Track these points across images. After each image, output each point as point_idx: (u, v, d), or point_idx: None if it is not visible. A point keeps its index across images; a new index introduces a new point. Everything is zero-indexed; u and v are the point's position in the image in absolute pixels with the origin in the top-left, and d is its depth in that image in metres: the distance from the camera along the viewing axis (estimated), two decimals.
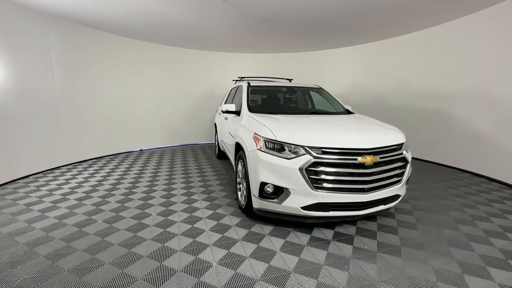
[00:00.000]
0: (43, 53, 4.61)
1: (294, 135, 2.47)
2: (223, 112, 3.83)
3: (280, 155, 2.41)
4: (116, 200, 3.41)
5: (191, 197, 3.53)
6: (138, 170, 4.86)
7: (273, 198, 2.46)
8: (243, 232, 2.61)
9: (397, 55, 5.97)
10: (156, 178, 4.32)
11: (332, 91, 6.88)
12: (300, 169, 2.30)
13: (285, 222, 2.78)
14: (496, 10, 4.17)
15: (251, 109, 3.46)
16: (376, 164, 2.42)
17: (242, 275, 1.97)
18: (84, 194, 3.60)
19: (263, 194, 2.51)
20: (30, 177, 4.36)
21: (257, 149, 2.54)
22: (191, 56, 7.33)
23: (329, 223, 2.77)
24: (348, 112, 3.71)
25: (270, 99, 4.06)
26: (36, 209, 3.11)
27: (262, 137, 2.56)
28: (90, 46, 5.46)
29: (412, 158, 5.45)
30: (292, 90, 4.15)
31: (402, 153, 2.61)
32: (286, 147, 2.41)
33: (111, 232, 2.59)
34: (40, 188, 3.83)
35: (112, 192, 3.68)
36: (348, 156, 2.34)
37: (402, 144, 2.65)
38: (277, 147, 2.45)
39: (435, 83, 5.24)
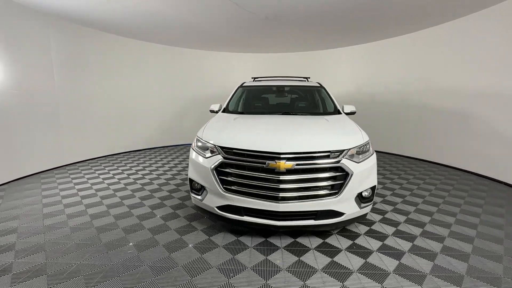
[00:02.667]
0: (43, 53, 4.61)
1: (216, 134, 2.47)
2: (210, 111, 4.04)
3: (201, 153, 2.46)
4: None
5: None
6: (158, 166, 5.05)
7: (198, 195, 2.53)
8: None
9: (405, 53, 5.93)
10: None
11: (335, 90, 6.77)
12: (212, 169, 2.30)
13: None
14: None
15: (227, 108, 3.53)
16: (293, 171, 2.14)
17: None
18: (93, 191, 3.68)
19: (192, 190, 2.62)
20: (30, 176, 4.38)
21: (191, 147, 2.67)
22: (192, 56, 7.33)
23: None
24: (338, 112, 3.28)
25: (258, 99, 3.98)
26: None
27: (196, 135, 2.66)
28: (90, 46, 5.48)
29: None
30: (281, 89, 3.95)
31: (337, 162, 2.18)
32: (208, 146, 2.44)
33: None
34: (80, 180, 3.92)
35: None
36: (257, 159, 2.17)
37: (341, 151, 2.22)
38: (202, 145, 2.51)
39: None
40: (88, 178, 4.35)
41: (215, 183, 2.28)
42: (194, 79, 7.61)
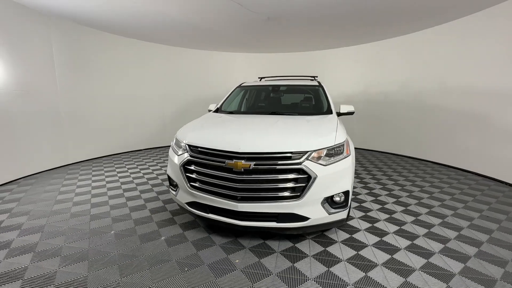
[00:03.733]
0: (45, 53, 4.62)
1: (189, 133, 2.55)
2: (208, 111, 4.14)
3: (175, 151, 2.56)
4: None
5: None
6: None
7: (174, 191, 2.65)
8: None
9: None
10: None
11: (338, 90, 7.20)
12: (180, 166, 2.39)
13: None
14: None
15: (220, 108, 3.60)
16: (253, 172, 2.11)
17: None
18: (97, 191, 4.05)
19: (170, 186, 2.74)
20: (32, 176, 4.39)
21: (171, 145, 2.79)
22: (194, 56, 7.32)
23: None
24: (330, 112, 3.14)
25: (252, 99, 3.97)
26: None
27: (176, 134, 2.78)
28: (92, 46, 5.48)
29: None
30: (277, 89, 3.88)
31: (298, 164, 2.09)
32: (181, 145, 2.53)
33: None
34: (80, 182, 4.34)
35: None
36: (218, 158, 2.20)
37: (303, 152, 2.12)
38: (176, 143, 2.61)
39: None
40: (106, 176, 4.64)
41: (183, 180, 2.37)
42: (196, 79, 7.57)
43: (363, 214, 3.06)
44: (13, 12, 4.11)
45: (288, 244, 2.41)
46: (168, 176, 2.68)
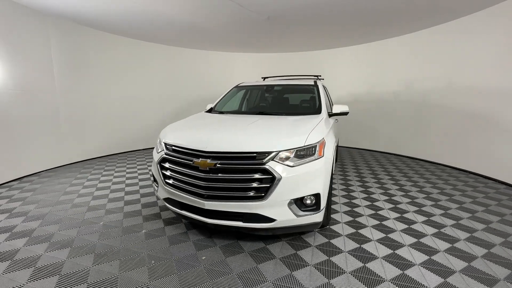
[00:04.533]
0: (43, 53, 4.59)
1: (169, 132, 2.65)
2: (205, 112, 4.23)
3: (157, 148, 2.67)
4: None
5: None
6: None
7: (156, 186, 2.76)
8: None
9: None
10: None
11: (341, 90, 7.24)
12: (157, 163, 2.50)
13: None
14: None
15: (214, 108, 3.68)
16: (218, 170, 2.14)
17: None
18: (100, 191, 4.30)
19: (153, 182, 2.86)
20: (32, 176, 4.39)
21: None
22: (194, 56, 7.29)
23: None
24: (318, 112, 3.07)
25: (246, 99, 3.98)
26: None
27: None
28: (91, 46, 5.44)
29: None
30: (270, 89, 3.84)
31: (262, 164, 2.07)
32: (161, 142, 2.64)
33: None
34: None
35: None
36: (187, 157, 2.26)
37: (267, 153, 2.09)
38: (158, 141, 2.72)
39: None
40: (104, 175, 4.84)
41: (160, 176, 2.47)
42: (196, 79, 7.55)
43: (351, 219, 2.93)
44: (12, 12, 4.08)
45: (259, 245, 2.40)
46: (152, 174, 2.80)
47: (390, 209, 3.20)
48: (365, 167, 5.18)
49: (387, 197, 3.58)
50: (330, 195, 2.48)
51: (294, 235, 2.55)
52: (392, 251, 2.30)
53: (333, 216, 3.00)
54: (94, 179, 4.32)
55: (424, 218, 2.96)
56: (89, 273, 2.00)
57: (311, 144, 2.20)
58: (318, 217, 2.26)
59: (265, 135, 2.28)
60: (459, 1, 4.04)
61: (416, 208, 3.22)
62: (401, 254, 2.26)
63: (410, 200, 3.50)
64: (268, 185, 2.06)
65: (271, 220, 2.13)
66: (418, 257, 2.22)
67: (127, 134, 6.46)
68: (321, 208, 2.24)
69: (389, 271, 2.03)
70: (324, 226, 2.66)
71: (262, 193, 2.07)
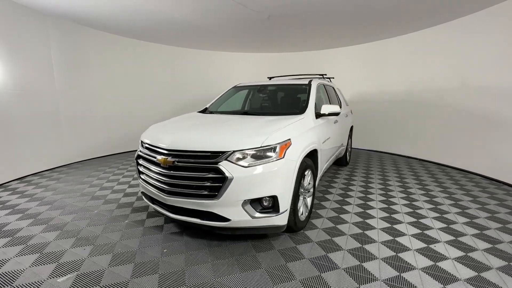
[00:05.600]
0: (43, 53, 4.60)
1: (149, 130, 2.81)
2: None
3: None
4: None
5: None
6: None
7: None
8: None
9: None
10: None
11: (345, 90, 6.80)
12: (134, 159, 2.69)
13: None
14: None
15: (208, 108, 3.79)
16: (177, 168, 2.22)
17: None
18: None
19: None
20: (32, 176, 4.43)
21: None
22: (193, 56, 7.26)
23: None
24: (301, 113, 3.00)
25: (239, 99, 4.00)
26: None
27: None
28: (91, 46, 5.44)
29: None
30: (263, 89, 3.80)
31: (215, 163, 2.08)
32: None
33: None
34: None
35: None
36: (153, 153, 2.38)
37: (221, 152, 2.10)
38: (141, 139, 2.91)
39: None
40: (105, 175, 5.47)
41: (137, 171, 2.65)
42: (196, 79, 7.53)
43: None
44: (11, 12, 4.10)
45: (213, 244, 2.42)
46: None
47: (436, 218, 2.94)
48: (393, 174, 4.81)
49: (431, 206, 3.29)
50: (296, 197, 2.39)
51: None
52: (433, 263, 2.13)
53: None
54: (103, 177, 4.77)
55: (475, 231, 2.66)
56: (64, 254, 2.25)
57: (269, 145, 2.15)
58: (279, 220, 2.21)
59: (224, 135, 2.30)
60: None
61: (466, 220, 2.92)
62: (444, 267, 2.08)
63: (460, 210, 3.17)
64: (220, 185, 2.08)
65: (225, 219, 2.14)
66: (464, 273, 2.02)
67: (127, 133, 6.42)
68: (281, 211, 2.18)
69: (428, 284, 1.89)
70: (295, 230, 2.57)
71: (215, 192, 2.10)
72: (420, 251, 2.30)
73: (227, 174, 2.04)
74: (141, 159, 2.60)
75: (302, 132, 2.59)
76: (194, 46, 7.09)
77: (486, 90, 4.42)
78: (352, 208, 3.23)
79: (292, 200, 2.31)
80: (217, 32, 5.62)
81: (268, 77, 5.07)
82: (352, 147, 7.26)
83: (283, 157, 2.18)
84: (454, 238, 2.53)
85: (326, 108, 3.11)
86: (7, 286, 1.88)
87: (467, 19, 4.64)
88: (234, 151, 2.10)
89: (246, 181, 2.06)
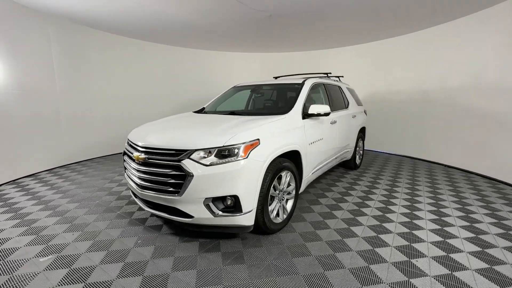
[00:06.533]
0: (44, 53, 4.60)
1: (136, 128, 3.00)
2: None
3: None
4: None
5: None
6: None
7: None
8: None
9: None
10: None
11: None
12: (122, 155, 2.89)
13: None
14: None
15: (204, 108, 3.90)
16: (147, 164, 2.34)
17: None
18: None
19: None
20: (32, 176, 4.43)
21: None
22: (193, 56, 7.23)
23: None
24: (285, 113, 2.96)
25: (234, 99, 4.01)
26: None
27: None
28: (91, 46, 5.45)
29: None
30: (257, 89, 3.78)
31: (178, 161, 2.15)
32: None
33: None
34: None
35: None
36: (132, 150, 2.54)
37: (183, 150, 2.17)
38: None
39: None
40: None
41: (124, 166, 2.86)
42: (196, 79, 7.51)
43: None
44: (12, 11, 4.11)
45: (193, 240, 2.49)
46: None
47: (500, 235, 2.61)
48: (405, 180, 4.47)
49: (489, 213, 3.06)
50: (265, 199, 2.35)
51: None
52: (449, 272, 2.02)
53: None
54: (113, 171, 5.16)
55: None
56: (54, 238, 2.52)
57: (232, 145, 2.16)
58: (243, 220, 2.21)
59: (191, 134, 2.36)
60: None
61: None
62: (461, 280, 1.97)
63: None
64: (182, 182, 2.14)
65: (189, 216, 2.20)
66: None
67: (126, 134, 6.43)
68: (244, 211, 2.18)
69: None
70: (268, 233, 2.53)
71: (178, 189, 2.17)
72: (437, 259, 2.11)
73: (188, 171, 2.10)
74: (125, 156, 2.79)
75: (278, 132, 2.54)
76: (195, 46, 7.06)
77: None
78: (342, 213, 3.07)
79: (260, 201, 2.28)
80: (217, 31, 5.59)
81: (274, 77, 5.03)
82: (372, 150, 6.87)
83: (247, 157, 2.17)
84: (481, 249, 2.27)
85: (314, 108, 3.01)
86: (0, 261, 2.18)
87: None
88: (195, 150, 2.15)
89: (207, 179, 2.10)
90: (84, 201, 3.44)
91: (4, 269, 2.06)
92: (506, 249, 2.32)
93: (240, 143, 2.18)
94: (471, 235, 2.59)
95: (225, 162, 2.13)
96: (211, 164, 2.12)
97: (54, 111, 4.90)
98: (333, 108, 3.90)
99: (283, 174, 2.59)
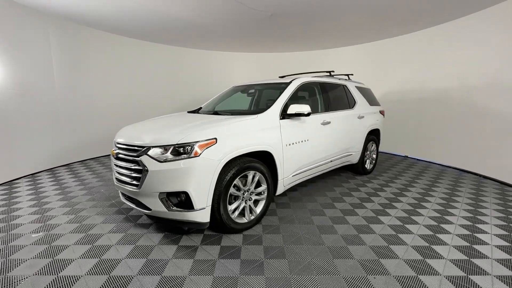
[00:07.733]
0: (43, 52, 4.58)
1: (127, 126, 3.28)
2: None
3: None
4: None
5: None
6: None
7: None
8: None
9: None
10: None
11: None
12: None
13: None
14: None
15: (201, 107, 4.04)
16: (119, 159, 2.57)
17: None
18: None
19: None
20: (31, 176, 4.41)
21: None
22: (193, 55, 7.13)
23: None
24: (262, 111, 2.96)
25: (230, 99, 4.05)
26: None
27: None
28: (91, 45, 5.40)
29: None
30: (250, 90, 3.80)
31: (137, 157, 2.32)
32: None
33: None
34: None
35: None
36: (114, 146, 2.80)
37: (142, 147, 2.33)
38: None
39: None
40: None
41: None
42: (196, 79, 7.42)
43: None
44: (11, 11, 4.09)
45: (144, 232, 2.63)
46: None
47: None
48: (417, 190, 4.04)
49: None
50: (221, 197, 2.37)
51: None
52: None
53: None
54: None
55: None
56: (51, 219, 2.94)
57: (186, 143, 2.25)
58: (197, 216, 2.27)
59: (152, 133, 2.52)
60: None
61: None
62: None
63: None
64: (140, 176, 2.32)
65: (147, 208, 2.37)
66: None
67: None
68: (196, 208, 2.25)
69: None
70: (231, 232, 2.55)
71: (138, 183, 2.35)
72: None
73: (144, 167, 2.27)
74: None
75: (243, 132, 2.55)
76: (195, 46, 7.01)
77: None
78: (336, 219, 2.90)
79: (215, 199, 2.33)
80: (218, 31, 5.54)
81: (279, 76, 5.01)
82: (397, 154, 6.25)
83: (199, 155, 2.24)
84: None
85: (293, 108, 2.93)
86: (4, 233, 2.62)
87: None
88: (152, 147, 2.30)
89: (160, 175, 2.23)
90: (92, 192, 3.88)
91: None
92: None
93: (193, 142, 2.26)
94: None
95: (178, 159, 2.23)
96: (165, 161, 2.24)
97: (53, 111, 4.88)
98: (329, 108, 3.72)
99: (250, 174, 2.58)
